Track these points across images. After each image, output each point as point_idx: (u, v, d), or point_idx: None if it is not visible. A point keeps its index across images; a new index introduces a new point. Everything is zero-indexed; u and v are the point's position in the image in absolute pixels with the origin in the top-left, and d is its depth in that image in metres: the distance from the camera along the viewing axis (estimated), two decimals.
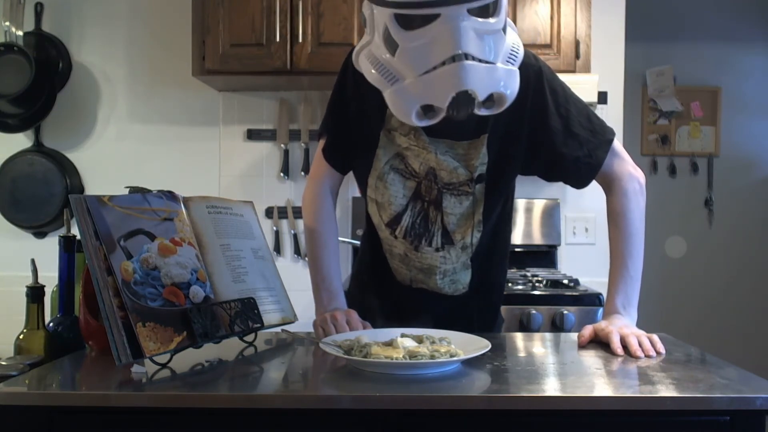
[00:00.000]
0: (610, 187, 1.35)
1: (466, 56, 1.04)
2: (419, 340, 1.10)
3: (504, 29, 1.11)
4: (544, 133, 1.31)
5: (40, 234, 2.84)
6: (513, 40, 1.15)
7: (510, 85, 1.11)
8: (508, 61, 1.12)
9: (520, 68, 1.15)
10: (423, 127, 1.22)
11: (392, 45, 1.09)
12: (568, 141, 1.31)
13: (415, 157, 1.33)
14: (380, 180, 1.36)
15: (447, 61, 1.05)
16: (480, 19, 1.06)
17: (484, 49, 1.07)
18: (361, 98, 1.34)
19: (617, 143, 1.36)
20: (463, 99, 1.07)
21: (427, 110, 1.09)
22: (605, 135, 1.34)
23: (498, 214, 1.40)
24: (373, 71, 1.13)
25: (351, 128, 1.39)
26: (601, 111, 2.73)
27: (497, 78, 1.09)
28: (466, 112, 1.10)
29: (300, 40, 2.46)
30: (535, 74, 1.29)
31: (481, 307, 1.47)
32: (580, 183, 1.37)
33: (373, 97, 1.22)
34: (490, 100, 1.11)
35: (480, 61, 1.06)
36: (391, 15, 1.07)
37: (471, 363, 1.06)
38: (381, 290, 1.46)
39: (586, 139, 1.32)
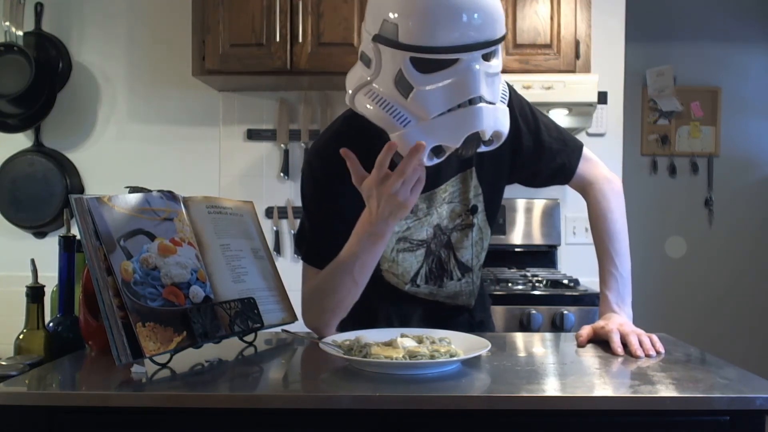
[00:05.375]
0: (587, 190, 1.40)
1: (480, 99, 1.08)
2: (419, 340, 1.10)
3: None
4: (521, 152, 1.35)
5: (40, 234, 2.85)
6: (502, 79, 1.19)
7: (506, 123, 1.15)
8: (501, 100, 1.16)
9: None
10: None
11: (406, 87, 1.09)
12: (542, 155, 1.36)
13: (419, 230, 1.35)
14: (392, 262, 1.36)
15: (463, 104, 1.07)
16: (489, 63, 1.10)
17: (490, 91, 1.11)
18: (337, 196, 1.27)
19: (588, 150, 1.41)
20: (473, 139, 1.10)
21: (437, 150, 1.11)
22: (575, 143, 1.40)
23: None
24: (381, 112, 1.12)
25: (338, 232, 1.25)
26: (601, 111, 2.74)
27: (499, 117, 1.12)
28: (473, 151, 1.14)
29: (300, 40, 2.46)
30: (507, 102, 1.31)
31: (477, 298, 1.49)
32: (558, 184, 1.45)
33: (351, 192, 1.16)
34: (490, 138, 1.14)
35: (488, 102, 1.10)
36: (407, 58, 1.08)
37: (471, 363, 1.06)
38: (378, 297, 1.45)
39: (559, 149, 1.37)
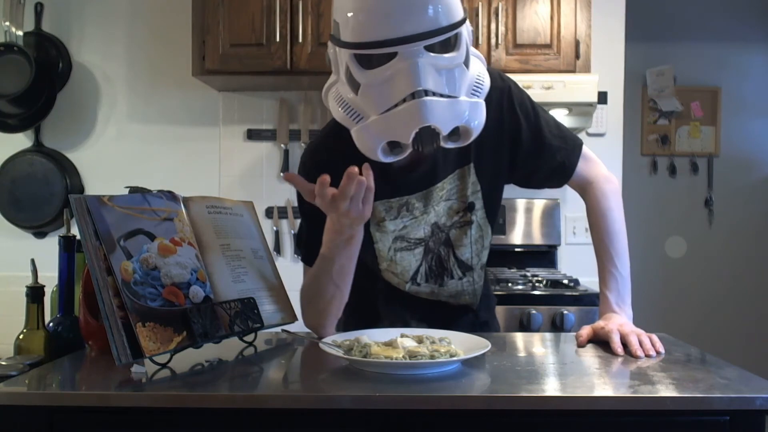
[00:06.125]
0: (586, 189, 1.39)
1: (426, 92, 1.04)
2: (419, 340, 1.10)
3: (467, 62, 1.12)
4: (521, 148, 1.33)
5: (40, 234, 2.85)
6: (478, 71, 1.15)
7: (475, 117, 1.11)
8: (472, 94, 1.12)
9: (491, 92, 1.16)
10: (408, 186, 1.28)
11: (354, 84, 1.10)
12: (543, 152, 1.34)
13: (416, 228, 1.34)
14: (390, 261, 1.36)
15: (407, 98, 1.05)
16: (439, 55, 1.06)
17: (445, 83, 1.07)
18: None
19: (587, 149, 1.40)
20: (427, 134, 1.07)
21: (394, 146, 1.10)
22: (575, 141, 1.38)
23: None
24: (339, 110, 1.14)
25: None
26: (601, 111, 2.74)
27: (460, 111, 1.08)
28: (431, 147, 1.10)
29: (300, 40, 2.46)
30: (506, 96, 1.30)
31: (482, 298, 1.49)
32: (555, 186, 1.43)
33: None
34: (456, 133, 1.11)
35: (441, 96, 1.06)
36: (351, 55, 1.08)
37: (471, 363, 1.06)
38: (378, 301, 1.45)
39: (559, 146, 1.35)
